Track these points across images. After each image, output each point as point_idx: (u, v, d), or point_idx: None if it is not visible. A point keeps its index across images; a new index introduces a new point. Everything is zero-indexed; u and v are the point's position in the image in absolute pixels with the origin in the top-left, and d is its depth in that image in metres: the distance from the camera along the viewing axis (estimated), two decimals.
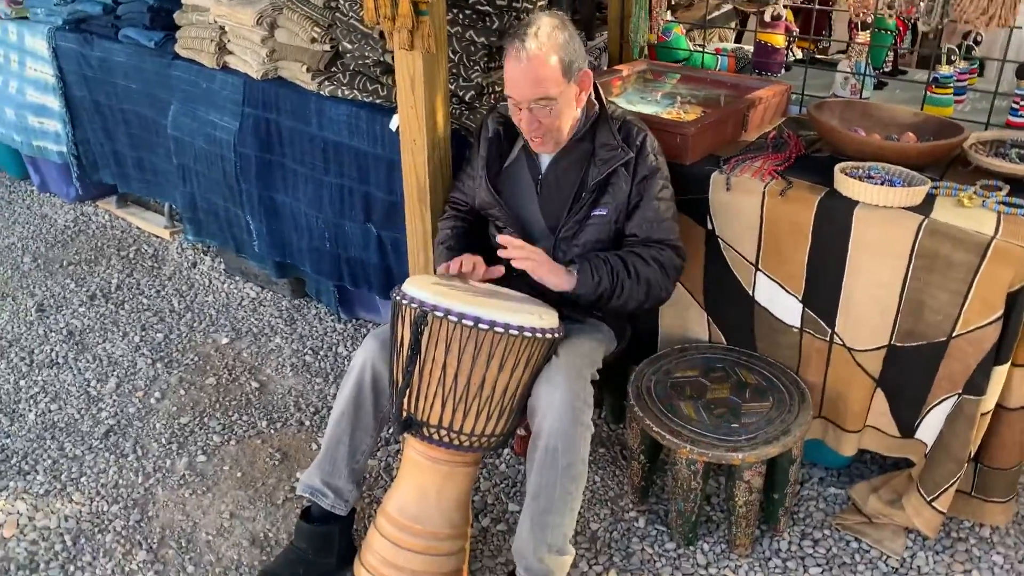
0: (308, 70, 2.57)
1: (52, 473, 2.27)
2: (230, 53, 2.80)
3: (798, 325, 2.03)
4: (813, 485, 2.19)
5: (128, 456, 2.33)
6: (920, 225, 1.78)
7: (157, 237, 3.55)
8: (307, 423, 2.46)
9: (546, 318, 1.73)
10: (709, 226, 2.08)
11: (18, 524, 2.10)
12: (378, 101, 2.44)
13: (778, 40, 2.59)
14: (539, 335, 1.68)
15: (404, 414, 1.72)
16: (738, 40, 3.48)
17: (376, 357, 1.84)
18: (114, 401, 2.56)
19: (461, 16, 2.26)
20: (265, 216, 2.84)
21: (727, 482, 1.95)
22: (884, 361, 1.94)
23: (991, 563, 1.95)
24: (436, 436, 1.71)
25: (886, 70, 2.73)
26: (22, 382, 2.65)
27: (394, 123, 2.29)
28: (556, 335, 1.73)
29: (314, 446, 2.36)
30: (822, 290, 1.95)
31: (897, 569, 1.94)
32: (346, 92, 2.49)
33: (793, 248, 1.96)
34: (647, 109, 2.38)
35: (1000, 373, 1.77)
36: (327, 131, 2.55)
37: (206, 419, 2.48)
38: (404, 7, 1.89)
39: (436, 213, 2.18)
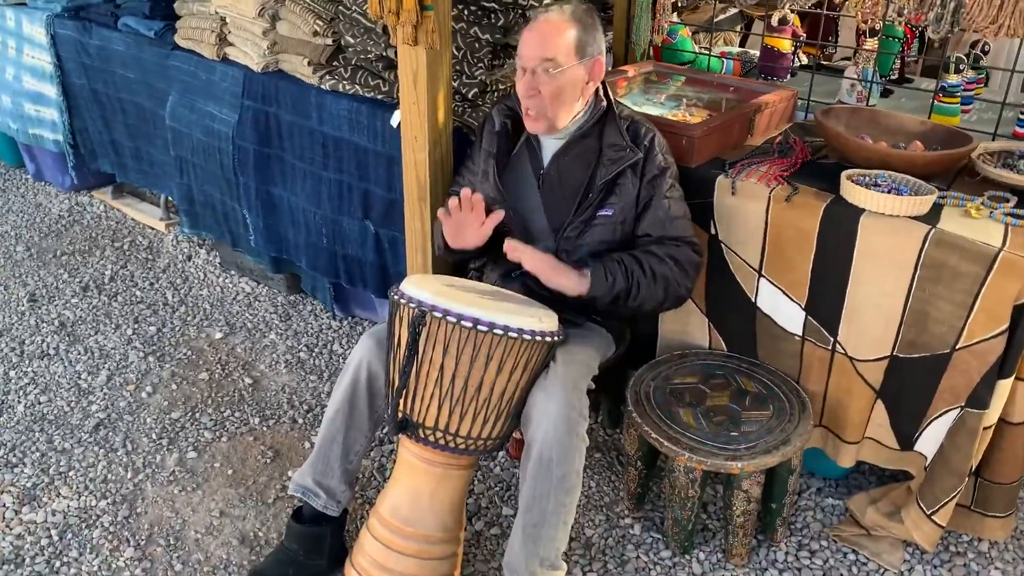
0: (309, 63, 2.54)
1: (40, 466, 2.24)
2: (230, 44, 2.76)
3: (800, 333, 2.00)
4: (811, 495, 2.17)
5: (118, 450, 2.30)
6: (927, 235, 1.76)
7: (152, 229, 3.52)
8: (300, 421, 2.43)
9: (546, 321, 1.70)
10: (712, 230, 2.06)
11: (4, 518, 2.06)
12: (379, 96, 2.41)
13: (784, 45, 2.57)
14: (539, 338, 1.65)
15: (400, 415, 1.70)
16: (743, 44, 3.45)
17: (372, 356, 1.81)
18: (105, 394, 2.52)
19: (466, 12, 2.23)
20: (262, 210, 2.81)
21: (725, 491, 1.93)
22: (886, 372, 1.92)
23: None
24: (431, 438, 1.68)
25: (892, 78, 2.70)
26: (12, 373, 2.61)
27: (395, 119, 2.26)
28: (556, 338, 1.70)
29: (307, 444, 2.33)
30: (826, 298, 1.93)
31: None
32: (347, 87, 2.46)
33: (797, 255, 1.93)
34: (652, 110, 2.35)
35: (1004, 387, 1.75)
36: (327, 126, 2.52)
37: (198, 414, 2.44)
38: (409, 2, 1.86)
39: (435, 211, 2.15)
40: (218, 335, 2.82)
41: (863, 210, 1.84)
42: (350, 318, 2.92)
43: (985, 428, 1.79)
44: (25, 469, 2.22)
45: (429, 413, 1.67)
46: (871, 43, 2.49)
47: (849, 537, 2.01)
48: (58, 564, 1.95)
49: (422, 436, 1.69)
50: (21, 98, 3.57)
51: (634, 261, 1.82)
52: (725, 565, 1.97)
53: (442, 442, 1.68)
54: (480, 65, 2.26)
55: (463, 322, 1.61)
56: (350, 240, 2.62)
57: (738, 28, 3.48)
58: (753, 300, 2.05)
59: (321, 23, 2.48)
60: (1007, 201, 1.88)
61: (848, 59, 3.08)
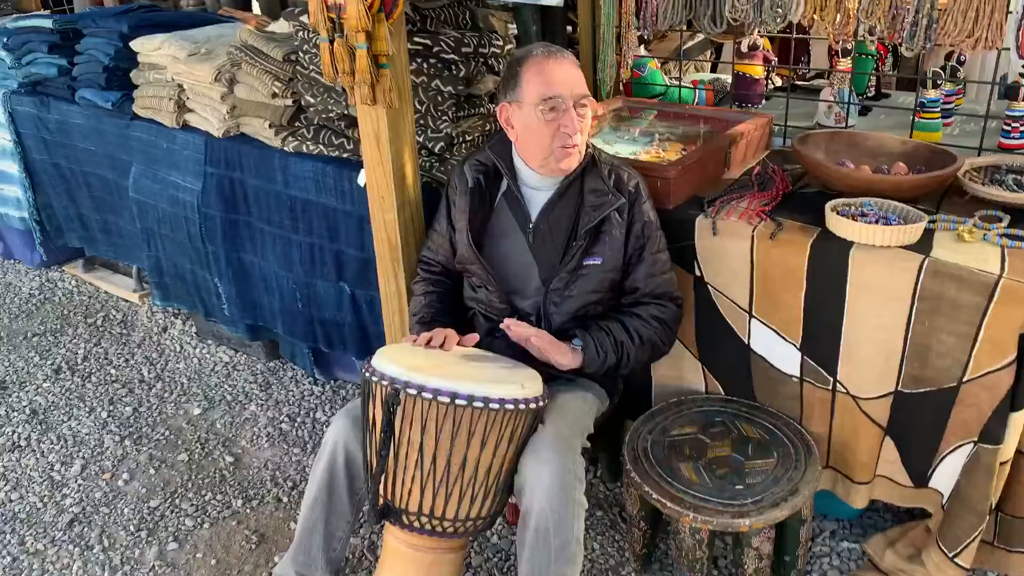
0: (271, 126, 2.46)
1: (12, 572, 2.11)
2: (190, 111, 2.69)
3: (798, 374, 1.91)
4: (825, 539, 2.06)
5: (94, 548, 2.17)
6: (921, 265, 1.67)
7: (126, 301, 3.42)
8: (284, 499, 2.31)
9: (528, 386, 1.60)
10: (697, 272, 1.97)
11: None
12: (345, 155, 2.33)
13: (757, 71, 2.50)
14: (522, 406, 1.56)
15: (381, 501, 1.59)
16: (713, 69, 3.40)
17: (348, 436, 1.71)
18: (79, 486, 2.41)
19: (425, 66, 2.16)
20: (234, 278, 2.72)
21: (734, 548, 1.82)
22: (891, 408, 1.82)
23: None
24: (417, 524, 1.58)
25: (869, 95, 2.64)
26: None
27: (362, 178, 2.18)
28: (541, 403, 1.61)
29: (292, 525, 2.21)
30: (821, 337, 1.84)
31: None
32: (311, 147, 2.38)
33: (788, 293, 1.85)
34: (625, 148, 2.28)
35: (1017, 420, 1.66)
36: (293, 188, 2.43)
37: (177, 500, 2.33)
38: (362, 62, 1.79)
39: (410, 271, 2.07)
40: (196, 411, 2.71)
41: (852, 243, 1.76)
42: (332, 382, 2.81)
43: (1002, 463, 1.70)
44: None
45: (412, 497, 1.57)
46: (844, 63, 2.43)
47: None
48: None
49: (406, 522, 1.58)
50: None
51: (623, 330, 1.79)
52: None
53: (428, 527, 1.58)
54: (445, 118, 2.18)
55: (440, 397, 1.51)
56: (326, 303, 2.53)
57: (708, 54, 3.43)
58: (746, 342, 1.96)
59: (279, 84, 2.40)
60: (999, 221, 1.80)
61: (821, 76, 3.02)
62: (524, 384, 1.60)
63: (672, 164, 2.01)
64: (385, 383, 1.53)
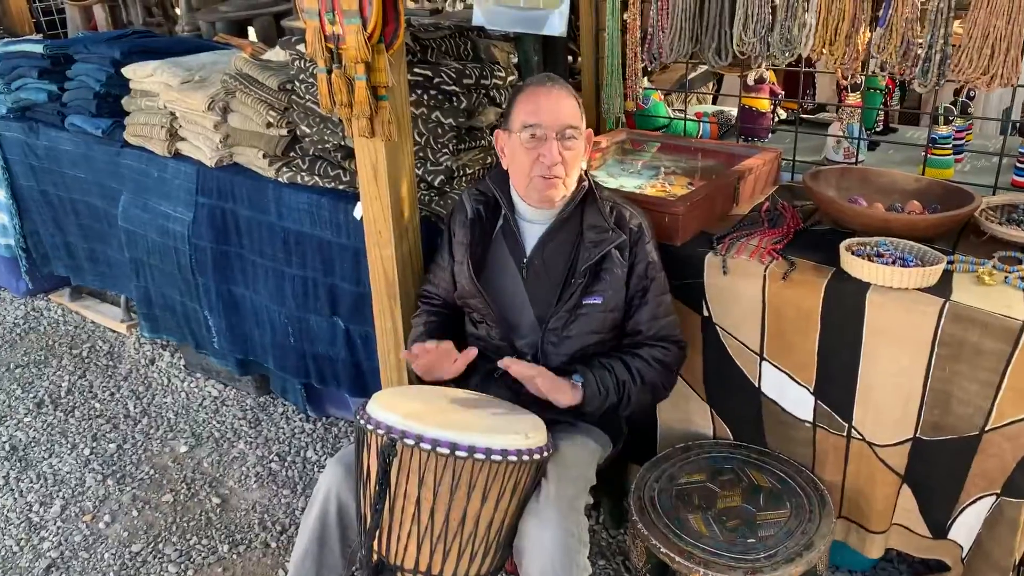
0: (265, 156, 2.39)
1: None
2: (182, 140, 2.62)
3: (811, 419, 1.83)
4: None
5: None
6: (942, 309, 1.61)
7: (113, 332, 3.32)
8: (273, 545, 2.21)
9: (533, 436, 1.52)
10: (705, 312, 1.90)
11: None
12: (341, 187, 2.26)
13: (763, 104, 2.46)
14: (526, 457, 1.47)
15: (375, 557, 1.50)
16: (714, 101, 3.36)
17: (341, 486, 1.62)
18: (58, 528, 2.30)
19: (426, 97, 2.10)
20: (224, 311, 2.63)
21: None
22: (909, 456, 1.75)
23: None
24: None
25: (877, 129, 2.60)
26: None
27: (358, 211, 2.10)
28: (545, 454, 1.53)
29: (281, 573, 2.11)
30: (836, 381, 1.77)
31: None
32: (306, 178, 2.31)
33: (801, 336, 1.78)
34: (630, 182, 2.22)
35: None
36: (287, 220, 2.36)
37: (161, 545, 2.22)
38: (361, 94, 1.73)
39: (407, 309, 1.99)
40: (183, 448, 2.61)
41: (868, 284, 1.69)
42: (324, 419, 2.72)
43: None
44: None
45: (408, 554, 1.48)
46: (853, 98, 2.38)
47: None
48: None
49: None
50: None
51: (625, 370, 1.71)
52: None
53: None
54: (445, 151, 2.12)
55: (439, 448, 1.42)
56: (319, 338, 2.44)
57: (710, 85, 3.39)
58: (757, 385, 1.88)
59: (274, 114, 2.34)
60: (1019, 263, 1.74)
61: (824, 109, 2.98)
62: (528, 434, 1.51)
63: (680, 199, 1.95)
64: (381, 432, 1.45)
